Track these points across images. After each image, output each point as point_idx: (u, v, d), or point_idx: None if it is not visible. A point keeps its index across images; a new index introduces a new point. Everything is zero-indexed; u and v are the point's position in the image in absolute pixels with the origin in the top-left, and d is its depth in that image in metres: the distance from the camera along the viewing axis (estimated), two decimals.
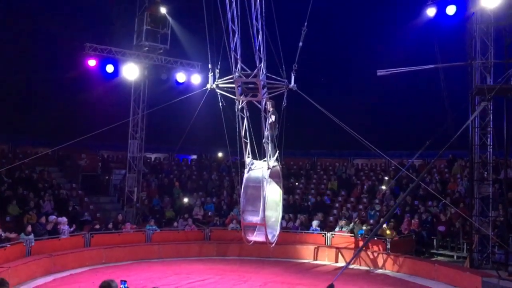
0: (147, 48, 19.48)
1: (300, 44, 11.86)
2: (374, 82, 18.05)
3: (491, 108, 15.08)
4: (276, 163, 11.22)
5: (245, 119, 10.98)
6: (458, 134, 12.69)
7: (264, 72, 11.21)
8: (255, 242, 10.74)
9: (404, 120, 23.09)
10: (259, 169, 10.60)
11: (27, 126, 20.67)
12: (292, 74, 11.81)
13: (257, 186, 10.05)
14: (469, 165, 16.51)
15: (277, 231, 11.16)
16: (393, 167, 22.11)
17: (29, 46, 20.29)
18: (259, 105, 11.63)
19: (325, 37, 21.50)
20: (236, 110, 11.20)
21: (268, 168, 10.65)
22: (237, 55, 10.20)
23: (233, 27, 9.37)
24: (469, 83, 15.72)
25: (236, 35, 9.76)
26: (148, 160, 25.53)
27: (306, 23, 11.78)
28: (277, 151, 11.61)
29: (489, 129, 15.36)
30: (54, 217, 16.19)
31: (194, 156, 27.94)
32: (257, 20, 9.76)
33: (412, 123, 22.95)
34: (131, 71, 19.27)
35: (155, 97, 19.93)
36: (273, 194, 11.71)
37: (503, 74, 14.39)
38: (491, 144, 15.43)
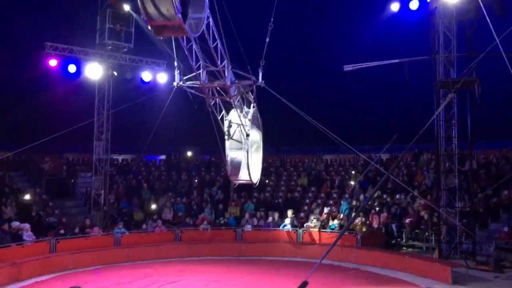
0: (110, 47, 18.96)
1: (267, 40, 11.78)
2: (340, 77, 18.15)
3: (455, 101, 15.37)
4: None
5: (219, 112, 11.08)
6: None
7: (230, 70, 11.13)
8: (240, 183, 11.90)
9: (370, 115, 23.35)
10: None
11: None
12: (260, 70, 11.76)
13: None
14: (435, 157, 16.80)
15: (259, 173, 12.04)
16: (361, 162, 22.33)
17: None
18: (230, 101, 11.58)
19: (291, 33, 21.49)
20: (208, 106, 11.08)
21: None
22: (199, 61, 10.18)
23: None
24: (433, 77, 15.99)
25: (194, 46, 9.66)
26: (115, 162, 25.00)
27: (272, 19, 11.73)
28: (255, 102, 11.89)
29: (453, 121, 15.66)
30: (17, 223, 15.63)
31: (163, 157, 27.54)
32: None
33: (379, 118, 23.21)
34: (94, 71, 18.74)
35: (120, 97, 19.45)
36: (254, 135, 12.52)
37: (466, 67, 14.68)
38: (456, 136, 15.74)
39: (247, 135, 11.85)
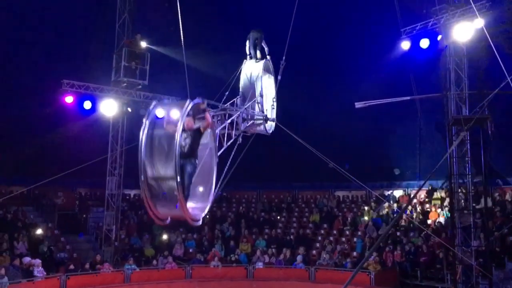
0: (125, 84, 19.37)
1: (279, 77, 12.00)
2: (352, 114, 18.22)
3: (468, 138, 15.30)
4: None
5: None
6: (436, 165, 12.80)
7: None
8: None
9: (382, 151, 23.27)
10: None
11: (0, 164, 20.13)
12: (272, 108, 11.90)
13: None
14: (449, 195, 16.60)
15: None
16: (374, 199, 22.13)
17: (5, 82, 19.98)
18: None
19: (303, 70, 21.78)
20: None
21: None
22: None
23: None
24: (446, 114, 15.99)
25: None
26: (127, 197, 25.05)
27: (284, 57, 11.96)
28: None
29: (467, 158, 15.54)
30: (28, 259, 15.62)
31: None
32: None
33: (391, 154, 23.14)
34: (109, 107, 19.05)
35: (133, 132, 19.70)
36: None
37: (478, 104, 14.68)
38: (470, 173, 15.59)
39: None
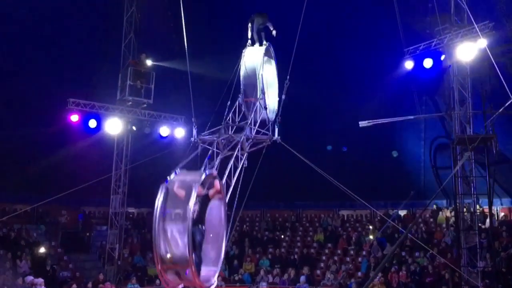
0: (130, 103, 19.51)
1: (283, 97, 12.05)
2: (356, 133, 18.24)
3: (473, 158, 15.27)
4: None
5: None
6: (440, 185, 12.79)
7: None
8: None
9: (387, 170, 23.20)
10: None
11: (5, 182, 20.18)
12: (276, 126, 11.92)
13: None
14: (454, 214, 16.50)
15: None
16: (378, 218, 21.99)
17: (12, 100, 20.14)
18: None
19: (306, 88, 21.85)
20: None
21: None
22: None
23: None
24: (450, 133, 16.00)
25: None
26: (131, 215, 24.99)
27: (288, 77, 12.03)
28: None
29: (472, 178, 15.48)
30: (31, 278, 15.55)
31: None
32: None
33: (395, 173, 23.07)
34: (114, 126, 19.16)
35: (138, 151, 19.78)
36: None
37: (482, 123, 14.69)
38: (475, 193, 15.51)
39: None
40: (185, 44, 11.77)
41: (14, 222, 19.65)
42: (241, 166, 10.43)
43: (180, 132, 20.40)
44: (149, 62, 19.77)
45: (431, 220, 21.96)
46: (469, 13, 13.87)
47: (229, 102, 11.35)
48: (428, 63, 16.21)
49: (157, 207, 7.23)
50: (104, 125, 19.06)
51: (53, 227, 21.86)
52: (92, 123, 18.79)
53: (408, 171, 23.51)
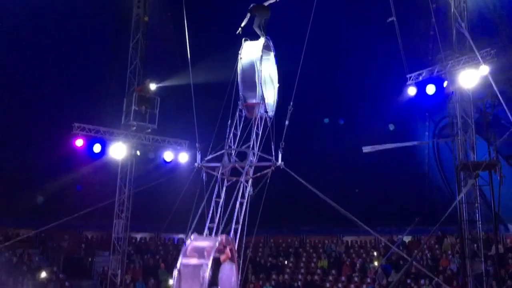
0: (135, 128, 19.62)
1: (287, 122, 12.08)
2: (360, 158, 18.24)
3: (478, 184, 15.20)
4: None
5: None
6: (444, 210, 12.69)
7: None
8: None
9: (391, 196, 23.10)
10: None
11: (8, 206, 20.19)
12: (279, 152, 11.93)
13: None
14: (459, 241, 16.33)
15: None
16: (383, 244, 21.78)
17: (19, 125, 20.33)
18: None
19: (309, 113, 21.98)
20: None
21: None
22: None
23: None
24: (454, 159, 15.97)
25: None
26: (133, 240, 24.85)
27: (292, 103, 12.10)
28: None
29: (477, 204, 15.38)
30: None
31: (181, 236, 27.28)
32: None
33: (400, 199, 22.95)
34: (118, 151, 19.23)
35: (142, 175, 19.79)
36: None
37: (486, 149, 14.68)
38: (480, 219, 15.39)
39: None
40: (190, 69, 11.91)
41: (17, 247, 19.56)
42: (247, 195, 10.49)
43: (184, 157, 20.44)
44: (153, 86, 19.94)
45: (436, 246, 21.72)
46: (471, 41, 14.00)
47: (229, 121, 11.31)
48: (431, 89, 16.27)
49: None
50: (109, 149, 19.12)
51: (55, 252, 21.73)
52: (97, 148, 18.86)
53: (412, 196, 23.38)
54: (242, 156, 11.18)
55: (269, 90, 11.83)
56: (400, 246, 21.63)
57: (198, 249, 8.09)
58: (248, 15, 11.61)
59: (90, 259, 22.38)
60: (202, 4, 21.21)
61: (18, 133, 20.15)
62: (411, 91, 16.78)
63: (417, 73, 16.66)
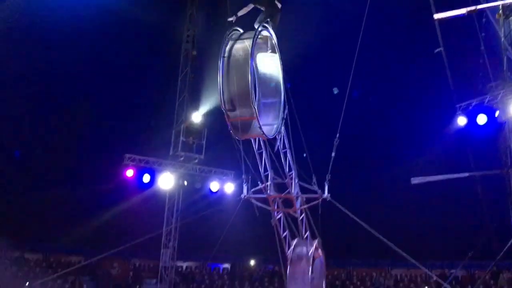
0: (182, 158, 20.06)
1: (333, 154, 12.04)
2: (409, 189, 17.82)
3: None
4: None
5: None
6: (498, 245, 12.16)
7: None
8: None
9: (442, 229, 22.33)
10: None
11: (61, 234, 20.94)
12: (326, 184, 11.87)
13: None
14: None
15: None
16: (434, 279, 20.96)
17: (73, 156, 21.21)
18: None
19: (357, 144, 21.79)
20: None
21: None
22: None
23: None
24: (508, 192, 15.37)
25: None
26: (180, 269, 25.04)
27: (338, 134, 12.07)
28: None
29: None
30: None
31: (226, 265, 27.28)
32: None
33: (451, 232, 22.14)
34: (166, 181, 19.67)
35: (189, 205, 20.10)
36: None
37: None
38: None
39: None
40: None
41: (68, 274, 20.08)
42: (304, 226, 11.44)
43: (229, 188, 20.64)
44: (200, 117, 20.36)
45: (492, 282, 20.70)
46: None
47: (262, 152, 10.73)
48: (481, 119, 15.81)
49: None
50: (157, 180, 19.59)
51: (105, 280, 22.17)
52: (146, 178, 19.38)
53: (466, 229, 22.50)
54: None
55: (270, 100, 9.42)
56: (453, 281, 20.80)
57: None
58: (251, 5, 9.51)
59: (138, 286, 22.68)
60: None
61: (72, 164, 21.00)
62: (461, 121, 16.38)
63: (467, 102, 16.28)
